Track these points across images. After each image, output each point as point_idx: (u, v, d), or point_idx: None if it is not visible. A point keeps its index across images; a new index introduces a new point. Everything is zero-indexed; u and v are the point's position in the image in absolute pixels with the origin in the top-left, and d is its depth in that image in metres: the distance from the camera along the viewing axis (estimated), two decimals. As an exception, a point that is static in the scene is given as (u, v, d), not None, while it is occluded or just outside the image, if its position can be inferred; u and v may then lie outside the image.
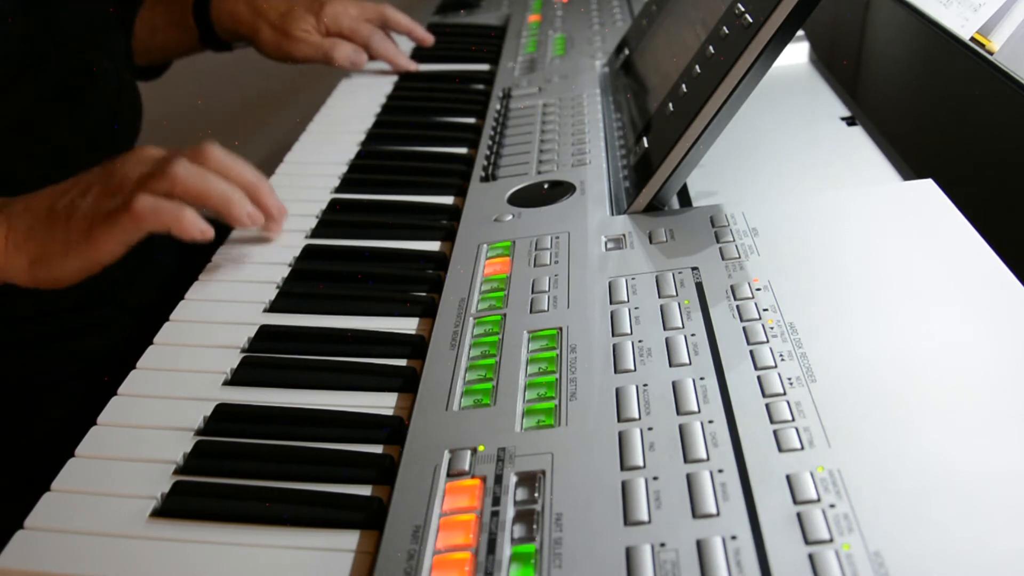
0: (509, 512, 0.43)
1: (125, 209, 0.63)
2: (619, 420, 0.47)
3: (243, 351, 0.61)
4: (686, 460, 0.44)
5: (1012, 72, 0.61)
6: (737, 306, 0.54)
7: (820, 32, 1.09)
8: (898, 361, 0.48)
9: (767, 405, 0.46)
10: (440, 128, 0.96)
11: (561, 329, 0.55)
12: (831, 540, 0.38)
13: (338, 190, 0.84)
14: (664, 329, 0.53)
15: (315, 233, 0.76)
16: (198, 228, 0.64)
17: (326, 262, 0.72)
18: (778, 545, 0.39)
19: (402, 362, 0.59)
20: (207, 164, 0.67)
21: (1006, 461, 0.41)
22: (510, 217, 0.70)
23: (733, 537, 0.39)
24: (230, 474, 0.51)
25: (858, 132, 0.78)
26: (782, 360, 0.49)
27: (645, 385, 0.49)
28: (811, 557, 0.38)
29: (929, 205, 0.60)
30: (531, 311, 0.58)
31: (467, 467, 0.46)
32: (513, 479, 0.45)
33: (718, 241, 0.61)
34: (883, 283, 0.54)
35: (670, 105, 0.68)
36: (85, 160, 0.70)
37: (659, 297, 0.56)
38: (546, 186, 0.74)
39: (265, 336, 0.62)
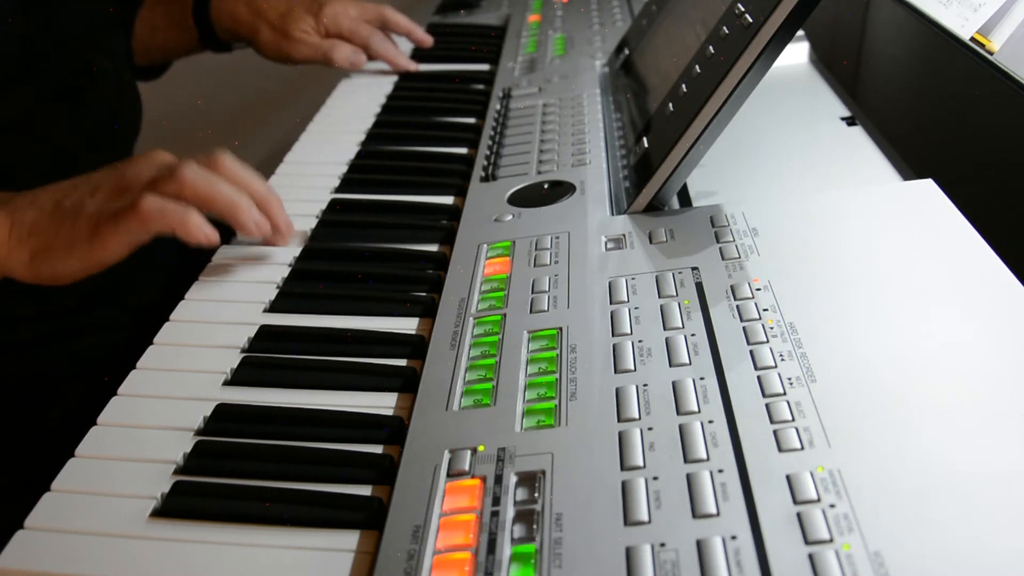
0: (509, 512, 0.43)
1: (131, 209, 0.63)
2: (619, 420, 0.47)
3: (243, 351, 0.61)
4: (686, 460, 0.44)
5: (1012, 72, 0.61)
6: (737, 306, 0.54)
7: (820, 32, 1.09)
8: (898, 361, 0.48)
9: (767, 405, 0.46)
10: (440, 128, 0.96)
11: (561, 329, 0.55)
12: (831, 540, 0.38)
13: (338, 190, 0.84)
14: (664, 329, 0.53)
15: (315, 233, 0.76)
16: (203, 232, 0.64)
17: (326, 262, 0.72)
18: (778, 545, 0.39)
19: (402, 362, 0.59)
20: (218, 171, 0.67)
21: (1006, 461, 0.41)
22: (510, 217, 0.70)
23: (733, 537, 0.39)
24: (230, 474, 0.51)
25: (858, 132, 0.78)
26: (782, 360, 0.49)
27: (645, 385, 0.49)
28: (811, 557, 0.38)
29: (929, 205, 0.61)
30: (531, 311, 0.58)
31: (467, 467, 0.46)
32: (513, 479, 0.45)
33: (718, 241, 0.61)
34: (883, 283, 0.54)
35: (670, 105, 0.68)
36: (85, 160, 0.70)
37: (659, 297, 0.56)
38: (546, 186, 0.74)
39: (265, 336, 0.62)
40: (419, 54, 1.15)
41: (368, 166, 0.88)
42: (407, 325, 0.63)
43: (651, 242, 0.63)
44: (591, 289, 0.59)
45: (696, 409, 0.47)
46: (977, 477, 0.40)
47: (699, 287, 0.57)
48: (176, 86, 1.18)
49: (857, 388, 0.46)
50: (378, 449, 0.52)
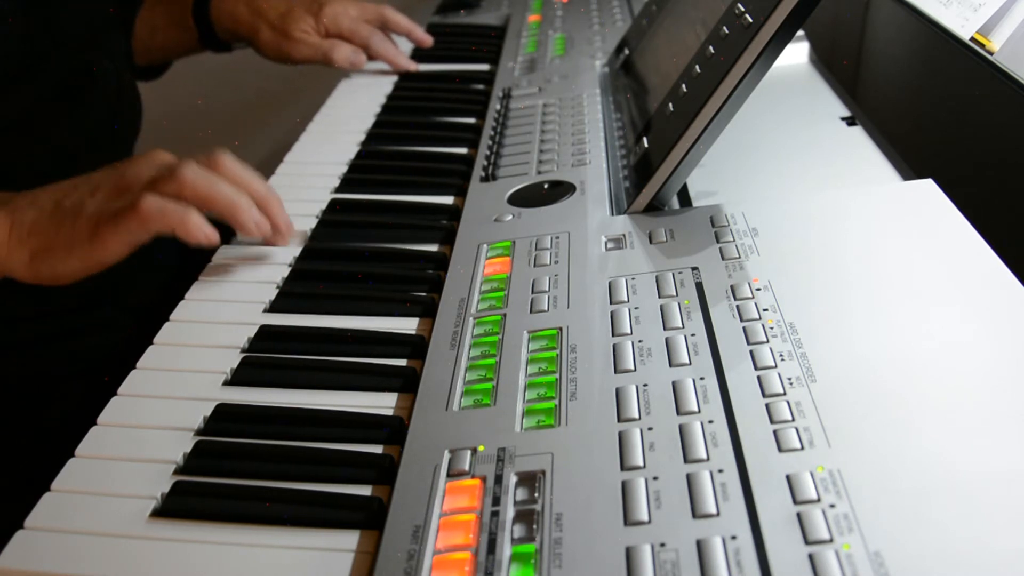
0: (509, 512, 0.43)
1: (131, 209, 0.63)
2: (619, 420, 0.47)
3: (243, 351, 0.61)
4: (686, 460, 0.44)
5: (1012, 72, 0.61)
6: (737, 306, 0.54)
7: (820, 32, 1.09)
8: (898, 361, 0.48)
9: (767, 405, 0.46)
10: (440, 128, 0.96)
11: (561, 329, 0.55)
12: (831, 540, 0.38)
13: (338, 190, 0.84)
14: (664, 329, 0.53)
15: (315, 233, 0.76)
16: (203, 232, 0.64)
17: (326, 262, 0.72)
18: (778, 545, 0.39)
19: (402, 362, 0.59)
20: (218, 171, 0.67)
21: (1006, 461, 0.41)
22: (510, 217, 0.70)
23: (733, 537, 0.39)
24: (230, 474, 0.51)
25: (858, 132, 0.78)
26: (782, 360, 0.49)
27: (645, 385, 0.49)
28: (811, 557, 0.38)
29: (929, 205, 0.60)
30: (531, 311, 0.58)
31: (467, 467, 0.46)
32: (513, 479, 0.45)
33: (718, 241, 0.61)
34: (883, 283, 0.54)
35: (670, 105, 0.68)
36: (85, 160, 0.70)
37: (659, 297, 0.56)
38: (546, 186, 0.74)
39: (265, 336, 0.62)
40: (419, 54, 1.15)
41: (368, 166, 0.88)
42: (407, 325, 0.63)
43: (651, 242, 0.63)
44: (591, 289, 0.59)
45: (696, 409, 0.47)
46: (977, 477, 0.40)
47: (699, 287, 0.57)
48: (176, 86, 1.18)
49: (857, 388, 0.46)
50: (378, 449, 0.52)
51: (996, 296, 0.51)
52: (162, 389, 0.58)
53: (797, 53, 0.95)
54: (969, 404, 0.44)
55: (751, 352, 0.50)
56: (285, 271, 0.70)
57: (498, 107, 0.95)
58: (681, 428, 0.46)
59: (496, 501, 0.44)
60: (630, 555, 0.40)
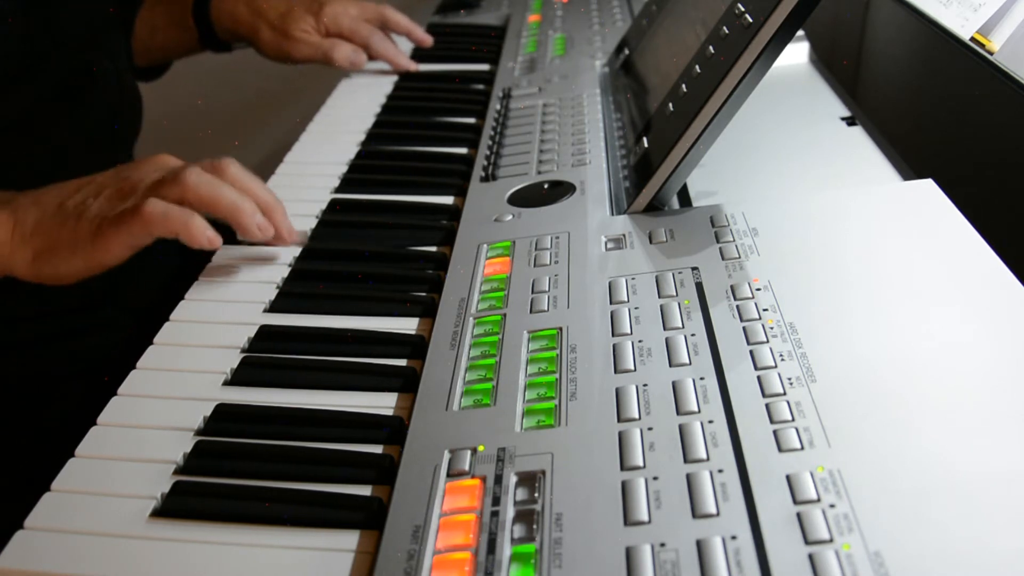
0: (509, 512, 0.43)
1: (135, 212, 0.63)
2: (619, 420, 0.47)
3: (243, 351, 0.61)
4: (686, 460, 0.44)
5: (1012, 72, 0.61)
6: (737, 306, 0.54)
7: (820, 32, 1.09)
8: (898, 361, 0.48)
9: (767, 405, 0.46)
10: (440, 128, 0.96)
11: (561, 329, 0.55)
12: (831, 540, 0.38)
13: (338, 190, 0.84)
14: (664, 329, 0.53)
15: (315, 233, 0.76)
16: (206, 236, 0.64)
17: (326, 262, 0.72)
18: (778, 545, 0.39)
19: (402, 362, 0.59)
20: (222, 176, 0.68)
21: (1006, 461, 0.41)
22: (510, 217, 0.70)
23: (733, 537, 0.39)
24: (230, 474, 0.51)
25: (858, 132, 0.78)
26: (782, 360, 0.49)
27: (645, 385, 0.49)
28: (811, 557, 0.38)
29: (929, 205, 0.60)
30: (531, 311, 0.58)
31: (467, 467, 0.46)
32: (513, 479, 0.45)
33: (718, 241, 0.61)
34: (883, 283, 0.54)
35: (670, 105, 0.68)
36: (85, 160, 0.70)
37: (659, 297, 0.56)
38: (546, 186, 0.74)
39: (265, 336, 0.62)
40: (419, 54, 1.15)
41: (368, 166, 0.88)
42: (407, 325, 0.63)
43: (651, 242, 0.63)
44: (591, 289, 0.59)
45: (696, 409, 0.47)
46: (977, 477, 0.40)
47: (699, 287, 0.57)
48: (176, 86, 1.18)
49: (857, 388, 0.46)
50: (378, 449, 0.52)
51: (996, 296, 0.51)
52: (162, 389, 0.58)
53: (797, 53, 0.95)
54: (969, 404, 0.44)
55: (751, 352, 0.50)
56: (285, 271, 0.70)
57: (498, 107, 0.95)
58: (681, 428, 0.46)
59: (496, 501, 0.44)
60: (630, 555, 0.40)
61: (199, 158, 0.69)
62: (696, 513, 0.41)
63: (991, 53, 0.64)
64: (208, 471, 0.51)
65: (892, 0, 0.84)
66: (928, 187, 0.62)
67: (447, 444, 0.48)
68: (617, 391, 0.49)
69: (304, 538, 0.46)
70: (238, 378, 0.58)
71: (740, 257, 0.59)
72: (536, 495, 0.44)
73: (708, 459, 0.44)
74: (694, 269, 0.58)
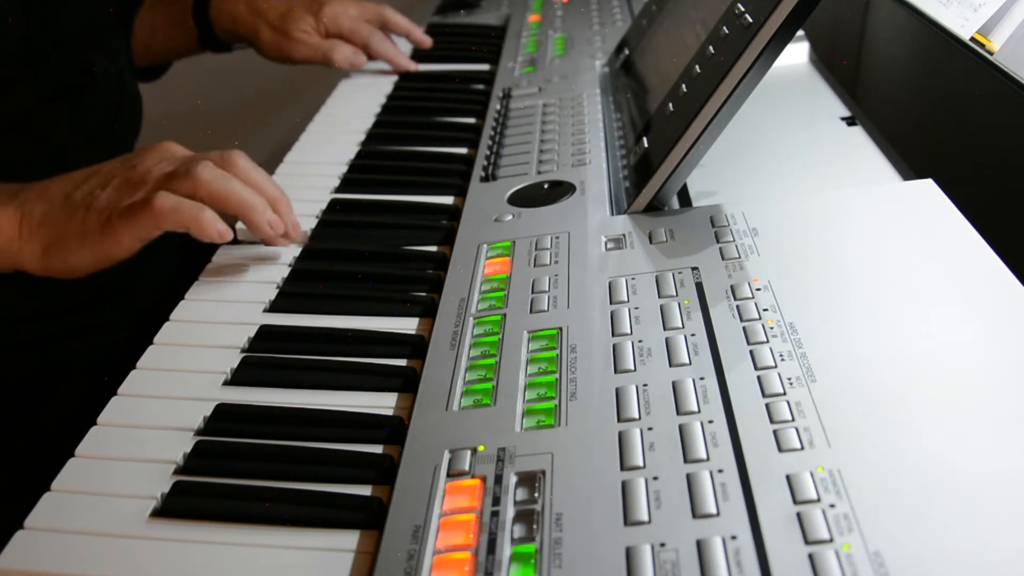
0: (509, 512, 0.43)
1: (145, 205, 0.63)
2: (619, 420, 0.47)
3: (243, 351, 0.61)
4: (686, 460, 0.44)
5: (1012, 72, 0.61)
6: (737, 306, 0.54)
7: (820, 32, 1.09)
8: (898, 361, 0.48)
9: (767, 405, 0.46)
10: (440, 128, 0.96)
11: (561, 329, 0.55)
12: (831, 540, 0.38)
13: (338, 190, 0.84)
14: (664, 329, 0.53)
15: (315, 233, 0.76)
16: (216, 229, 0.64)
17: (326, 262, 0.72)
18: (778, 545, 0.39)
19: (402, 362, 0.59)
20: (232, 170, 0.67)
21: (1006, 461, 0.41)
22: (510, 217, 0.70)
23: (733, 537, 0.39)
24: (230, 474, 0.51)
25: (858, 132, 0.78)
26: (782, 360, 0.49)
27: (645, 385, 0.49)
28: (811, 557, 0.38)
29: (929, 205, 0.60)
30: (531, 311, 0.58)
31: (467, 467, 0.46)
32: (513, 479, 0.45)
33: (718, 241, 0.61)
34: (883, 283, 0.54)
35: (670, 105, 0.68)
36: (85, 160, 0.70)
37: (659, 297, 0.56)
38: (546, 186, 0.74)
39: (265, 336, 0.62)
40: (419, 54, 1.15)
41: (368, 166, 0.88)
42: (407, 325, 0.63)
43: (651, 242, 0.63)
44: (591, 289, 0.59)
45: (696, 409, 0.47)
46: (977, 477, 0.40)
47: (699, 287, 0.57)
48: (176, 86, 1.18)
49: (857, 388, 0.46)
50: (378, 449, 0.52)
51: (996, 296, 0.51)
52: (162, 389, 0.58)
53: (797, 53, 0.95)
54: (969, 404, 0.44)
55: (751, 352, 0.50)
56: (285, 271, 0.70)
57: (498, 107, 0.95)
58: (681, 428, 0.46)
59: (496, 501, 0.44)
60: (630, 555, 0.40)
61: (201, 155, 0.69)
62: (696, 513, 0.41)
63: (991, 53, 0.64)
64: (208, 471, 0.51)
65: (892, 0, 0.84)
66: (928, 187, 0.62)
67: (447, 444, 0.48)
68: (617, 391, 0.49)
69: (304, 538, 0.46)
70: (238, 378, 0.58)
71: (740, 257, 0.59)
72: (536, 495, 0.44)
73: (708, 459, 0.44)
74: (694, 269, 0.58)
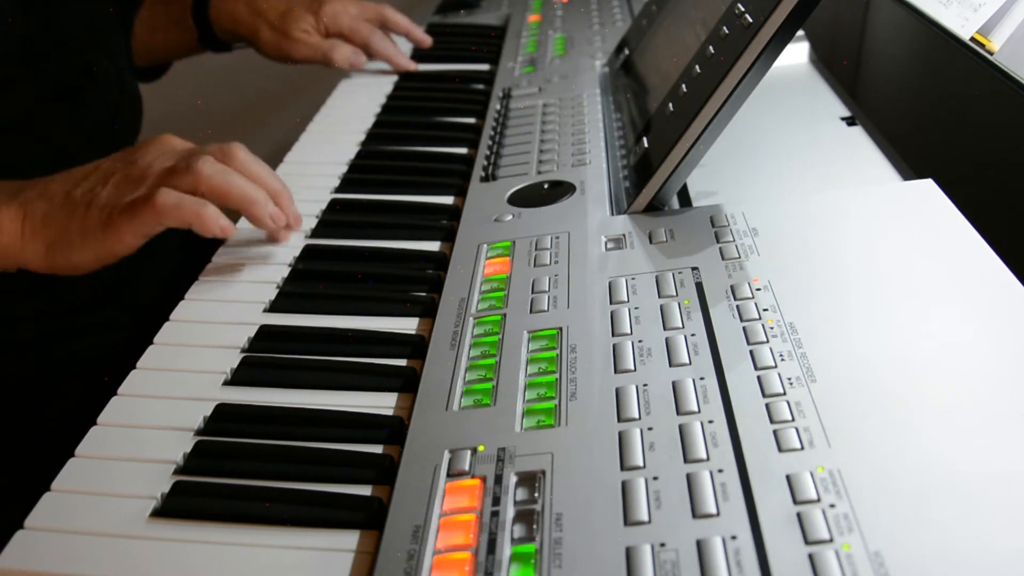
0: (509, 512, 0.43)
1: (147, 202, 0.63)
2: (619, 420, 0.47)
3: (243, 351, 0.61)
4: (686, 460, 0.44)
5: (1012, 72, 0.61)
6: (737, 306, 0.54)
7: (820, 32, 1.09)
8: (898, 361, 0.48)
9: (767, 405, 0.46)
10: (440, 128, 0.96)
11: (561, 329, 0.55)
12: (831, 540, 0.38)
13: (338, 190, 0.84)
14: (664, 329, 0.53)
15: (315, 233, 0.76)
16: (219, 224, 0.64)
17: (326, 262, 0.72)
18: (778, 545, 0.39)
19: (402, 362, 0.59)
20: (232, 164, 0.67)
21: (1006, 461, 0.41)
22: (510, 217, 0.70)
23: (733, 537, 0.39)
24: (230, 474, 0.51)
25: (858, 132, 0.78)
26: (782, 360, 0.49)
27: (645, 385, 0.49)
28: (811, 557, 0.38)
29: (929, 205, 0.61)
30: (531, 311, 0.58)
31: (467, 467, 0.46)
32: (513, 479, 0.45)
33: (718, 241, 0.61)
34: (883, 283, 0.54)
35: (670, 105, 0.68)
36: (85, 160, 0.70)
37: (659, 297, 0.56)
38: (546, 186, 0.74)
39: (265, 336, 0.62)
40: (419, 54, 1.15)
41: (368, 166, 0.88)
42: (407, 325, 0.63)
43: (651, 242, 0.63)
44: (591, 289, 0.59)
45: (696, 409, 0.47)
46: (977, 477, 0.40)
47: (699, 287, 0.57)
48: (176, 86, 1.18)
49: (857, 388, 0.46)
50: (378, 449, 0.52)
51: (996, 296, 0.51)
52: (162, 389, 0.58)
53: (797, 53, 0.95)
54: (969, 404, 0.44)
55: (751, 352, 0.50)
56: (285, 271, 0.70)
57: (498, 107, 0.95)
58: (681, 428, 0.46)
59: (496, 501, 0.44)
60: (630, 555, 0.40)
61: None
62: (696, 513, 0.41)
63: (991, 53, 0.64)
64: (208, 471, 0.51)
65: (892, 0, 0.84)
66: (928, 187, 0.62)
67: (447, 444, 0.48)
68: (617, 391, 0.49)
69: (304, 538, 0.46)
70: (238, 378, 0.58)
71: (740, 257, 0.59)
72: (536, 495, 0.44)
73: (708, 459, 0.44)
74: (694, 269, 0.58)
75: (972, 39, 0.67)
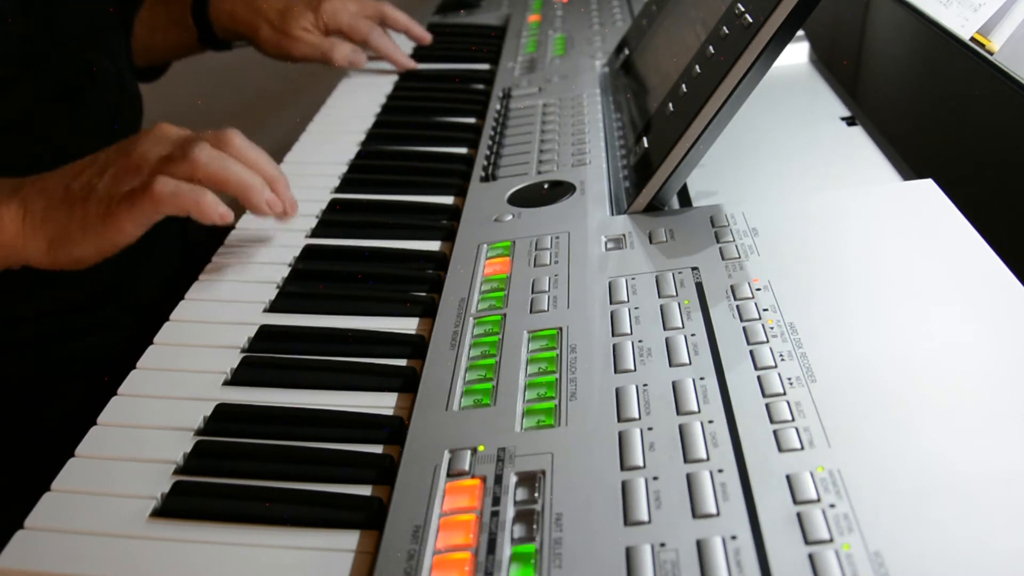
0: (509, 512, 0.43)
1: (145, 191, 0.63)
2: (619, 420, 0.47)
3: (243, 351, 0.61)
4: (686, 460, 0.44)
5: (1012, 72, 0.61)
6: (737, 306, 0.54)
7: (820, 32, 1.09)
8: (898, 361, 0.48)
9: (767, 405, 0.46)
10: (440, 128, 0.96)
11: (561, 329, 0.55)
12: (831, 540, 0.38)
13: (338, 190, 0.84)
14: (664, 329, 0.53)
15: (315, 233, 0.76)
16: (217, 212, 0.64)
17: (326, 262, 0.72)
18: (778, 545, 0.39)
19: (402, 362, 0.59)
20: (229, 150, 0.67)
21: (1006, 461, 0.41)
22: (510, 217, 0.70)
23: (733, 537, 0.39)
24: (230, 474, 0.51)
25: (858, 132, 0.78)
26: (782, 360, 0.49)
27: (645, 385, 0.49)
28: (811, 557, 0.38)
29: (929, 205, 0.60)
30: (531, 311, 0.58)
31: (467, 467, 0.46)
32: (513, 479, 0.45)
33: (718, 241, 0.61)
34: (883, 283, 0.54)
35: (670, 105, 0.68)
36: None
37: (659, 297, 0.56)
38: (546, 186, 0.74)
39: (265, 336, 0.62)
40: (419, 53, 1.15)
41: (368, 166, 0.88)
42: (407, 325, 0.63)
43: (651, 242, 0.63)
44: (591, 289, 0.59)
45: (696, 409, 0.47)
46: (977, 477, 0.40)
47: (699, 287, 0.57)
48: (176, 86, 1.18)
49: (857, 388, 0.46)
50: (378, 449, 0.52)
51: (996, 296, 0.51)
52: (162, 389, 0.58)
53: (797, 53, 0.95)
54: (969, 404, 0.44)
55: (751, 352, 0.50)
56: (285, 271, 0.70)
57: (498, 107, 0.95)
58: (681, 428, 0.46)
59: (496, 501, 0.44)
60: (630, 555, 0.40)
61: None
62: (696, 513, 0.41)
63: (991, 53, 0.64)
64: (208, 471, 0.51)
65: (892, 0, 0.84)
66: (928, 187, 0.62)
67: (447, 444, 0.48)
68: (617, 391, 0.49)
69: (304, 538, 0.46)
70: (238, 378, 0.58)
71: (740, 257, 0.59)
72: (536, 495, 0.44)
73: (708, 459, 0.44)
74: (694, 269, 0.58)
75: (972, 39, 0.67)
